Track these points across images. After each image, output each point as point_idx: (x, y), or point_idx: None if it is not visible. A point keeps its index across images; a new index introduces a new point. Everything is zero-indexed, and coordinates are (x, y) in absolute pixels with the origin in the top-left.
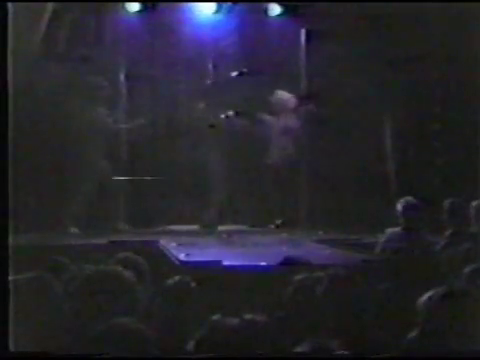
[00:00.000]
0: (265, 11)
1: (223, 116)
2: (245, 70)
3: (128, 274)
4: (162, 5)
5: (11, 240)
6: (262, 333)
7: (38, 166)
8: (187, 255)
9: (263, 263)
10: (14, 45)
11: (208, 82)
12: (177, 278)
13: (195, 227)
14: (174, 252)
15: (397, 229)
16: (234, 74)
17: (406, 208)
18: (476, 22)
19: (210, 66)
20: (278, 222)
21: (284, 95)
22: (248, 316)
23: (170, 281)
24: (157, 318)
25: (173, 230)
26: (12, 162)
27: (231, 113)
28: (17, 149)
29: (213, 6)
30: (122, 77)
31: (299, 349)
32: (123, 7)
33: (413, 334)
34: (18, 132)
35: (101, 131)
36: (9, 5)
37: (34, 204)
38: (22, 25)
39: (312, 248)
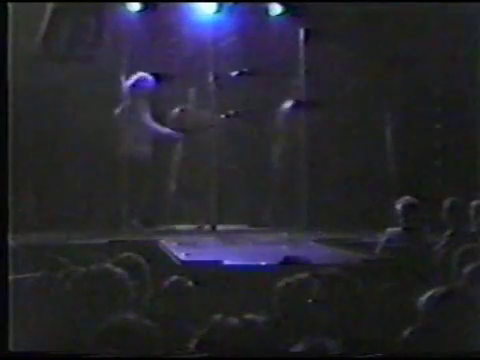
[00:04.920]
0: (266, 11)
1: (223, 116)
2: (246, 70)
3: (121, 272)
4: (162, 5)
5: (11, 240)
6: (262, 333)
7: (38, 166)
8: (187, 255)
9: (263, 262)
10: (14, 45)
11: (209, 81)
12: (176, 278)
13: (195, 227)
14: (174, 252)
15: (397, 229)
16: (234, 74)
17: (406, 208)
18: (476, 22)
19: (210, 66)
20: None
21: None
22: (248, 316)
23: (170, 280)
24: (157, 318)
25: (173, 230)
26: (12, 162)
27: (232, 113)
28: (17, 149)
29: (213, 6)
30: (123, 77)
31: (299, 349)
32: (123, 7)
33: (413, 334)
34: (18, 132)
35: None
36: (9, 5)
37: (34, 204)
38: (22, 25)
39: (312, 248)
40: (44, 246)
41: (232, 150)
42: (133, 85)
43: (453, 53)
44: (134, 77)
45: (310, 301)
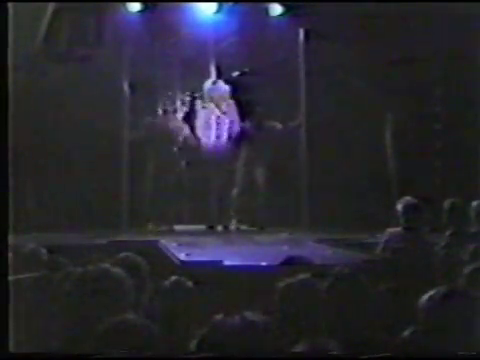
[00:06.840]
0: (266, 11)
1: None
2: (246, 70)
3: (120, 272)
4: (162, 5)
5: (11, 240)
6: (262, 333)
7: (38, 166)
8: (188, 255)
9: (264, 263)
10: (14, 45)
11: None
12: (176, 278)
13: (196, 227)
14: (175, 252)
15: (397, 229)
16: (235, 74)
17: (406, 208)
18: (476, 22)
19: (211, 66)
20: None
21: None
22: (249, 316)
23: (170, 281)
24: (157, 318)
25: (174, 230)
26: (12, 162)
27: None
28: (17, 149)
29: (213, 6)
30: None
31: (299, 349)
32: (123, 7)
33: (413, 334)
34: (18, 132)
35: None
36: (9, 5)
37: (34, 204)
38: (22, 25)
39: (313, 248)
40: (44, 246)
41: (233, 151)
42: (210, 87)
43: (453, 53)
44: (209, 81)
45: (311, 301)
